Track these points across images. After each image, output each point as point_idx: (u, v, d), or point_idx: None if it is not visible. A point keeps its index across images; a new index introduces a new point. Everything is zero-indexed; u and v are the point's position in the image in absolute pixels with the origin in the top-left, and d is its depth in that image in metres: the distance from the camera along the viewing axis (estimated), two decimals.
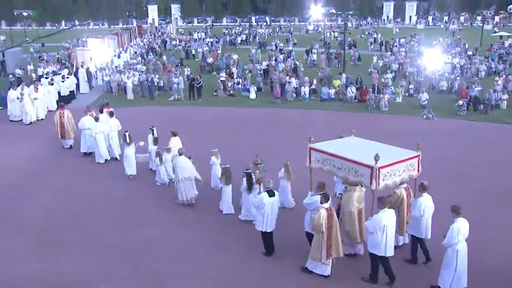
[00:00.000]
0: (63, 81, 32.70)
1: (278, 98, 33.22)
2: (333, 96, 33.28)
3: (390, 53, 50.92)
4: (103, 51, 45.09)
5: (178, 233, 14.45)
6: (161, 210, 16.16)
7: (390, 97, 32.04)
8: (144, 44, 62.01)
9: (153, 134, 19.47)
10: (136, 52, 53.15)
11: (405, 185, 12.50)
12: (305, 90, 33.57)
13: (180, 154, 16.08)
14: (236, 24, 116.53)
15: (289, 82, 34.27)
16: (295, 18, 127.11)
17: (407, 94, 34.25)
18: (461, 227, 10.51)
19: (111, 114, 21.75)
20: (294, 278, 11.93)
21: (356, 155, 11.80)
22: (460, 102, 29.63)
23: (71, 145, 23.01)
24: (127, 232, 14.37)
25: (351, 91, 33.19)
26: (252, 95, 34.68)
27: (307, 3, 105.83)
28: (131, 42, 61.82)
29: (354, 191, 12.03)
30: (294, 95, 33.92)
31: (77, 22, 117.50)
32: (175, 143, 18.09)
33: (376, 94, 32.20)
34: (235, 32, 77.46)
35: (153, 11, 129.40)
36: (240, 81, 37.53)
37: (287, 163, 15.43)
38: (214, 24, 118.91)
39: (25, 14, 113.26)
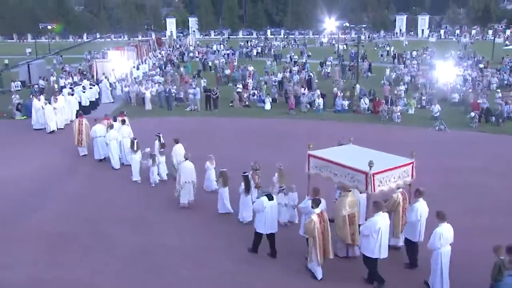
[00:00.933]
0: (83, 92, 33.02)
1: (293, 109, 33.22)
2: (346, 108, 33.21)
3: (403, 65, 50.75)
4: (123, 62, 45.47)
5: (191, 239, 14.51)
6: (171, 215, 16.35)
7: (403, 109, 31.93)
8: (163, 56, 62.38)
9: (159, 140, 20.15)
10: (154, 64, 53.49)
11: (401, 190, 12.78)
12: (319, 101, 33.51)
13: (186, 159, 16.67)
14: (252, 36, 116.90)
15: (303, 94, 34.26)
16: (310, 31, 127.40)
17: (419, 106, 34.10)
18: (444, 232, 10.78)
19: (123, 122, 22.33)
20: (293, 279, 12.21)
21: (352, 161, 12.22)
22: (472, 114, 29.40)
23: (86, 153, 23.33)
24: (143, 239, 14.42)
25: (365, 103, 33.11)
26: (267, 106, 34.71)
27: (322, 17, 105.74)
28: (149, 54, 62.21)
29: (347, 197, 12.40)
30: (308, 106, 33.90)
31: (98, 35, 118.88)
32: (178, 149, 18.67)
33: (389, 106, 32.05)
34: (251, 45, 77.76)
35: (171, 24, 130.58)
36: (256, 92, 37.60)
37: (280, 167, 15.92)
38: (231, 36, 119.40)
39: (49, 27, 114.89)
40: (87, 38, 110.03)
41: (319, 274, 11.96)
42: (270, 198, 12.99)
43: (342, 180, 12.41)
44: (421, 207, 12.13)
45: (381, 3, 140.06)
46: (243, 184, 15.10)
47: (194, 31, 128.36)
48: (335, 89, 35.82)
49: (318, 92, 34.68)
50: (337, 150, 13.82)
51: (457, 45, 79.34)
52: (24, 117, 31.87)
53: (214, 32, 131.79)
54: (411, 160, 12.66)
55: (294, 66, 49.43)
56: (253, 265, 12.86)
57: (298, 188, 14.95)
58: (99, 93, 36.27)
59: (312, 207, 11.84)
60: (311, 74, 43.33)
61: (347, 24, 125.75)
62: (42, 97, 29.68)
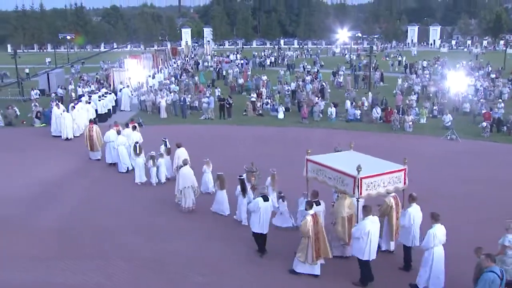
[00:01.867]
0: (99, 100, 33.25)
1: (306, 118, 33.15)
2: (359, 117, 33.10)
3: (415, 75, 50.52)
4: (139, 71, 45.70)
5: (203, 244, 14.50)
6: (178, 220, 16.49)
7: (415, 118, 31.72)
8: (178, 66, 62.63)
9: (165, 145, 20.79)
10: (170, 73, 53.72)
11: (393, 194, 12.95)
12: (332, 110, 33.44)
13: (185, 165, 16.94)
14: (266, 46, 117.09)
15: (316, 103, 34.21)
16: (322, 41, 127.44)
17: (431, 115, 33.87)
18: (437, 232, 11.07)
19: (133, 128, 22.99)
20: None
21: (344, 166, 12.52)
22: (484, 124, 29.14)
23: (99, 158, 23.94)
24: (155, 244, 14.44)
25: (377, 112, 32.98)
26: (280, 115, 34.65)
27: (334, 27, 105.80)
28: (165, 63, 62.52)
29: (345, 199, 12.67)
30: (321, 115, 33.83)
31: (115, 45, 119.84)
32: (180, 153, 19.05)
33: (400, 115, 31.87)
34: (264, 54, 77.83)
35: (186, 34, 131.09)
36: (269, 101, 37.59)
37: (274, 172, 16.26)
38: (244, 46, 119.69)
39: (68, 37, 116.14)
40: (104, 48, 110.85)
41: (307, 269, 12.24)
42: (266, 199, 13.34)
43: (335, 184, 12.79)
44: (414, 212, 12.33)
45: (393, 14, 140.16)
46: (239, 187, 15.60)
47: (208, 41, 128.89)
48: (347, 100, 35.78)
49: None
50: (335, 156, 14.24)
51: (468, 55, 78.87)
52: (43, 124, 32.16)
53: (229, 42, 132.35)
54: (403, 167, 12.86)
55: (307, 76, 49.41)
56: (264, 268, 12.87)
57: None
58: (115, 101, 36.49)
59: (306, 209, 12.17)
60: (324, 83, 43.29)
61: (360, 35, 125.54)
62: (62, 105, 30.10)
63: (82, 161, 23.96)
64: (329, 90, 41.84)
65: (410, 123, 30.41)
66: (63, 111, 28.92)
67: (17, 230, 15.40)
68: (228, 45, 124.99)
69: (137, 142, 20.97)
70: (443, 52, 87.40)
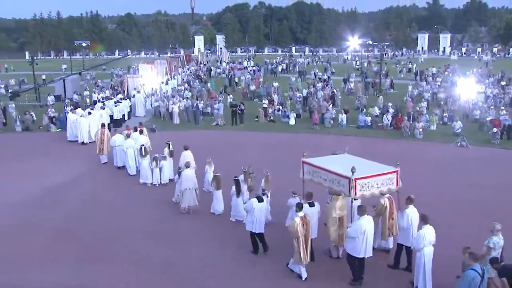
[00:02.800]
0: (116, 106, 33.47)
1: (317, 124, 33.10)
2: (369, 123, 33.01)
3: (425, 82, 50.33)
4: (153, 78, 45.91)
5: (212, 247, 14.55)
6: (188, 222, 16.62)
7: (425, 125, 31.57)
8: (191, 72, 62.85)
9: (169, 148, 21.35)
10: (183, 79, 53.92)
11: (388, 196, 13.27)
12: (343, 117, 33.38)
13: (187, 167, 17.40)
14: (277, 53, 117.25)
15: (327, 110, 34.17)
16: (333, 49, 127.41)
17: (441, 122, 33.69)
18: (426, 233, 11.36)
19: (140, 132, 23.67)
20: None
21: (339, 168, 12.89)
22: (494, 130, 28.94)
23: (105, 161, 24.54)
24: (165, 247, 14.48)
25: (387, 119, 32.87)
26: (292, 121, 34.62)
27: (345, 35, 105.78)
28: (179, 69, 62.79)
29: (337, 200, 12.99)
30: (332, 121, 33.79)
31: (129, 52, 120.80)
32: (186, 156, 19.64)
33: (411, 122, 31.74)
34: (276, 61, 77.90)
35: (199, 41, 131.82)
36: (280, 107, 37.58)
37: (267, 174, 16.55)
38: (256, 53, 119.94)
39: (84, 44, 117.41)
40: (119, 55, 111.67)
41: (303, 273, 12.41)
42: (260, 200, 13.75)
43: (330, 185, 13.14)
44: (412, 214, 12.51)
45: (403, 21, 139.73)
46: (234, 187, 16.09)
47: (221, 48, 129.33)
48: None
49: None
50: (330, 159, 14.60)
51: (478, 63, 78.45)
52: (59, 129, 32.44)
53: (241, 49, 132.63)
54: (396, 169, 13.19)
55: (318, 82, 49.38)
56: (274, 272, 12.83)
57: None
58: (130, 106, 36.68)
59: (296, 211, 12.40)
60: (335, 90, 43.24)
61: (370, 42, 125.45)
62: (79, 110, 30.40)
63: (94, 165, 24.32)
64: (340, 97, 41.75)
65: (420, 129, 30.25)
66: (80, 116, 29.20)
67: (31, 232, 15.51)
68: (240, 52, 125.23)
69: (143, 145, 21.69)
70: (453, 60, 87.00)
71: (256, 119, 35.42)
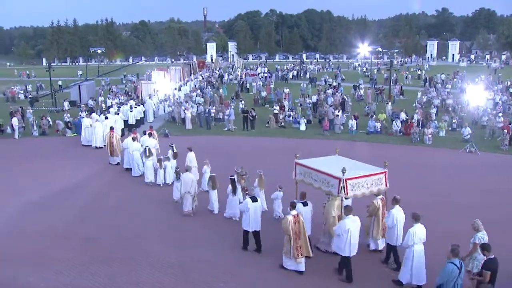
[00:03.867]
0: (131, 111, 33.66)
1: (327, 130, 33.06)
2: (379, 129, 32.91)
3: (434, 89, 50.13)
4: (166, 84, 46.10)
5: (222, 250, 14.57)
6: (197, 224, 16.65)
7: (434, 131, 31.44)
8: (203, 78, 63.01)
9: (172, 150, 21.88)
10: (195, 85, 54.08)
11: (381, 197, 13.70)
12: (352, 123, 33.32)
13: (187, 170, 17.83)
14: (288, 60, 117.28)
15: (337, 116, 34.12)
16: (343, 55, 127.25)
17: (450, 128, 33.52)
18: (417, 231, 11.66)
19: (149, 135, 24.39)
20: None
21: (330, 169, 13.14)
22: (505, 132, 28.67)
23: (118, 162, 25.21)
24: (178, 250, 14.52)
25: (396, 125, 32.76)
26: (302, 127, 34.62)
27: (355, 42, 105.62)
28: (191, 75, 62.99)
29: (335, 200, 13.44)
30: (342, 127, 33.72)
31: (143, 58, 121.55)
32: (191, 156, 20.40)
33: (420, 128, 31.63)
34: (286, 68, 77.89)
35: (211, 48, 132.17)
36: (291, 113, 37.58)
37: (260, 174, 17.20)
38: (268, 60, 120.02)
39: (99, 51, 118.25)
40: (132, 61, 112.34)
41: (292, 266, 12.84)
42: (254, 200, 14.21)
43: (320, 186, 13.37)
44: (397, 213, 12.84)
45: (412, 29, 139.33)
46: (230, 186, 16.65)
47: (233, 55, 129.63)
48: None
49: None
50: (321, 160, 14.76)
51: (487, 70, 77.98)
52: (74, 134, 32.70)
53: (252, 55, 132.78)
54: (384, 170, 13.48)
55: (328, 89, 49.33)
56: (281, 274, 12.86)
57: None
58: (144, 112, 36.88)
59: (289, 209, 12.77)
60: (345, 96, 43.18)
61: (380, 49, 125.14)
62: (94, 115, 30.64)
63: (104, 167, 24.83)
64: (350, 103, 41.68)
65: (430, 136, 30.14)
66: (96, 121, 29.47)
67: (48, 235, 15.60)
68: (252, 59, 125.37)
69: (147, 146, 22.28)
70: (462, 67, 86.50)
71: (267, 125, 35.43)
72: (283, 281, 12.61)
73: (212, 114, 36.48)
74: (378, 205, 13.59)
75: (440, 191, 19.99)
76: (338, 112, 34.89)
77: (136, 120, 34.36)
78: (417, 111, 35.32)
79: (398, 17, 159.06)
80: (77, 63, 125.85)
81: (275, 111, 37.16)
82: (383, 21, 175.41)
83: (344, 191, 12.44)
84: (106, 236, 15.64)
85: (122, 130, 31.06)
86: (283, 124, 35.96)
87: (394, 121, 33.34)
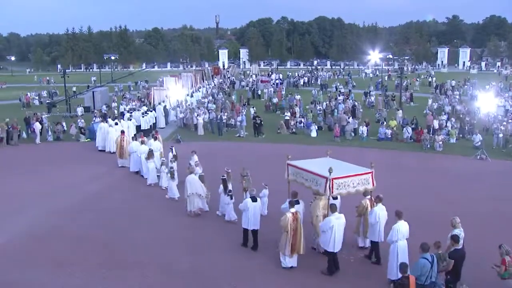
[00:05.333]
0: (143, 117, 33.82)
1: (338, 136, 32.98)
2: (389, 136, 32.77)
3: (445, 95, 49.87)
4: (178, 90, 46.24)
5: (231, 254, 14.58)
6: (204, 228, 16.77)
7: (445, 138, 31.24)
8: (215, 85, 63.15)
9: (172, 152, 22.32)
10: (207, 92, 54.21)
11: (369, 197, 14.18)
12: (363, 129, 33.21)
13: (191, 173, 18.10)
14: (299, 67, 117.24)
15: (348, 122, 34.02)
16: (354, 62, 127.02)
17: (461, 135, 33.29)
18: (400, 228, 12.16)
19: (155, 138, 24.94)
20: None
21: (319, 169, 13.48)
22: None
23: (123, 166, 25.66)
24: (189, 255, 14.50)
25: (407, 132, 32.59)
26: (313, 134, 34.53)
27: (366, 49, 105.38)
28: (203, 81, 63.18)
29: (320, 200, 13.79)
30: (353, 134, 33.64)
31: (155, 65, 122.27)
32: (193, 159, 20.83)
33: (431, 135, 31.44)
34: (298, 75, 77.88)
35: (223, 54, 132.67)
36: (302, 120, 37.52)
37: (228, 171, 17.77)
38: (279, 67, 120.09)
39: (112, 58, 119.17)
40: (146, 68, 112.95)
41: (287, 263, 13.27)
42: (254, 199, 14.72)
43: (310, 185, 13.72)
44: (379, 211, 13.37)
45: (423, 36, 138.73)
46: (221, 185, 17.21)
47: (244, 61, 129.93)
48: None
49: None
50: (312, 161, 15.09)
51: (498, 77, 77.47)
52: (88, 139, 32.90)
53: (264, 62, 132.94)
54: (370, 170, 13.74)
55: (339, 96, 49.23)
56: (288, 278, 12.88)
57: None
58: (155, 117, 37.05)
59: (288, 207, 13.30)
60: (356, 103, 43.07)
61: (391, 56, 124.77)
62: (110, 121, 30.91)
63: (116, 172, 25.09)
64: (361, 110, 41.57)
65: (440, 142, 29.94)
66: (110, 126, 29.65)
67: (61, 238, 15.69)
68: (263, 66, 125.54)
69: (150, 149, 22.84)
70: (472, 74, 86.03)
71: (278, 131, 35.41)
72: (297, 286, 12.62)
73: (224, 120, 36.57)
74: (366, 205, 14.12)
75: (449, 197, 19.83)
76: (349, 118, 34.83)
77: (149, 126, 34.46)
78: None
79: (409, 24, 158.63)
80: (91, 70, 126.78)
81: (287, 117, 37.12)
82: (394, 28, 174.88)
83: (330, 190, 12.79)
84: (117, 239, 15.68)
85: (135, 135, 31.11)
86: (294, 130, 35.92)
87: (405, 128, 33.17)
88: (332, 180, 12.76)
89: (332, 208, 12.82)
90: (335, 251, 12.82)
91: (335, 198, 13.65)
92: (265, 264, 13.80)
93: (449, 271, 11.24)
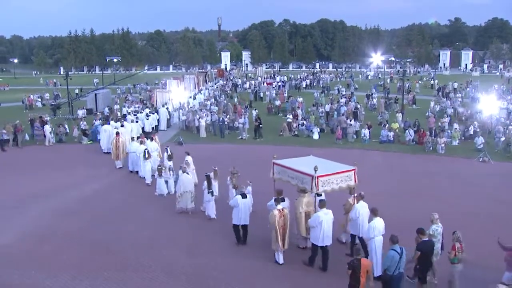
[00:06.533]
0: (147, 119, 33.86)
1: (340, 139, 32.97)
2: (392, 138, 32.73)
3: (447, 98, 49.82)
4: (180, 92, 46.27)
5: (232, 256, 14.60)
6: (211, 234, 16.52)
7: (447, 140, 31.19)
8: (217, 87, 63.18)
9: (167, 152, 22.61)
10: (209, 94, 54.23)
11: (355, 195, 14.65)
12: (365, 132, 33.18)
13: (183, 172, 18.57)
14: (302, 69, 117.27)
15: (350, 125, 34.00)
16: (356, 65, 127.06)
17: (463, 137, 33.24)
18: (376, 224, 12.68)
19: (151, 139, 25.41)
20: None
21: (304, 167, 14.02)
22: None
23: (121, 166, 26.05)
24: (192, 257, 14.49)
25: (409, 134, 32.54)
26: (315, 136, 34.53)
27: (368, 51, 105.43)
28: (206, 84, 63.23)
29: (303, 197, 14.46)
30: (355, 136, 33.61)
31: (158, 67, 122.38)
32: (188, 160, 21.23)
33: (433, 137, 31.38)
34: (300, 77, 77.95)
35: (225, 57, 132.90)
36: (304, 122, 37.50)
37: (215, 169, 18.55)
38: (281, 69, 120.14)
39: (115, 60, 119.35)
40: (148, 70, 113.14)
41: (280, 259, 13.87)
42: (244, 196, 15.24)
43: (297, 183, 14.25)
44: (361, 208, 13.95)
45: (425, 38, 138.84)
46: (205, 182, 17.71)
47: (247, 64, 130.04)
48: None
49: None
50: (296, 160, 15.66)
51: (500, 79, 77.42)
52: (90, 141, 32.94)
53: (266, 65, 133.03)
54: (353, 168, 14.31)
55: (341, 98, 49.21)
56: (288, 277, 12.83)
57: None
58: (158, 120, 37.13)
59: (275, 204, 13.84)
60: (358, 105, 43.06)
61: (393, 59, 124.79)
62: (113, 123, 30.88)
63: (118, 174, 25.14)
64: (363, 112, 41.54)
65: (443, 145, 29.89)
66: (114, 128, 29.47)
67: (64, 240, 15.72)
68: (266, 68, 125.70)
69: (146, 149, 23.31)
70: (475, 76, 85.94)
71: (280, 134, 35.39)
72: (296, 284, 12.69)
73: (226, 123, 36.57)
74: (352, 202, 14.57)
75: (451, 199, 19.80)
76: (351, 121, 34.81)
77: (152, 127, 34.60)
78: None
79: (411, 26, 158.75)
80: (93, 72, 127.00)
81: (289, 120, 37.12)
82: (396, 30, 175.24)
83: (316, 187, 13.28)
84: (118, 241, 15.71)
85: (138, 137, 31.13)
86: (296, 132, 35.92)
87: (407, 130, 33.14)
88: (318, 178, 13.29)
89: (321, 204, 13.36)
90: (324, 245, 13.30)
91: (319, 195, 14.06)
92: (265, 264, 13.86)
93: (418, 261, 11.71)
